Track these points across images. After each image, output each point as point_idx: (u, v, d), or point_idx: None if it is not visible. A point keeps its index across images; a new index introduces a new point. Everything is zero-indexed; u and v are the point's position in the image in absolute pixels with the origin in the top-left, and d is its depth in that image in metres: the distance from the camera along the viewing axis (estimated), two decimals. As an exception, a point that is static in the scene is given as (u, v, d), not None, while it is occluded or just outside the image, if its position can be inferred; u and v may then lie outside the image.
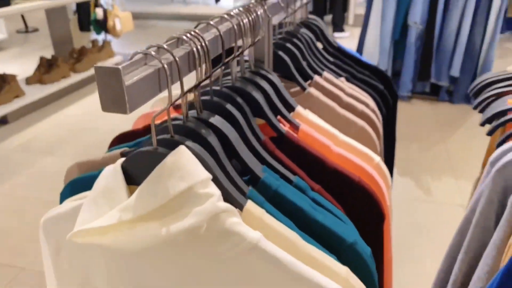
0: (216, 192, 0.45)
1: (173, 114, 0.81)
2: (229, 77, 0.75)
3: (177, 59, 0.44)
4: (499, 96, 0.98)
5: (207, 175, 0.46)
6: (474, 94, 1.06)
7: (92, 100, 3.48)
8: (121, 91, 0.37)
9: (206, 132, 0.52)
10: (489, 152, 1.18)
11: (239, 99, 0.63)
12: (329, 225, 0.52)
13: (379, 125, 0.89)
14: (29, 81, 3.23)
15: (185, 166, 0.45)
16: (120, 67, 0.37)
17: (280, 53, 0.84)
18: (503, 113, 0.91)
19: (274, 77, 0.72)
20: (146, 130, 0.75)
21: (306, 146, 0.64)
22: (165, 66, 0.42)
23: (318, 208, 0.55)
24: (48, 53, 3.54)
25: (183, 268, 0.47)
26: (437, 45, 3.29)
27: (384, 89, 1.02)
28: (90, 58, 3.61)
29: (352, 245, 0.51)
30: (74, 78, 3.43)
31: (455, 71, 3.29)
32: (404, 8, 3.27)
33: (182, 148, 0.46)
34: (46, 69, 3.28)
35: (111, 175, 0.48)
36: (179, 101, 0.85)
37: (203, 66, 0.50)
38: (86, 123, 3.06)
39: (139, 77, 0.39)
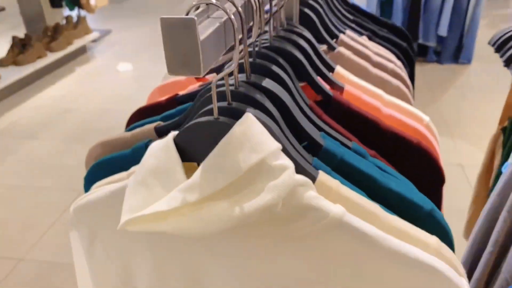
0: (290, 164, 0.39)
1: (196, 84, 0.74)
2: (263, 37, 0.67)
3: (239, 9, 0.37)
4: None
5: (278, 145, 0.39)
6: (498, 47, 1.02)
7: (71, 80, 3.32)
8: (194, 47, 0.30)
9: (261, 97, 0.46)
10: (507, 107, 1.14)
11: (281, 60, 0.56)
12: (403, 193, 0.47)
13: (410, 84, 0.84)
14: (2, 63, 3.04)
15: (255, 136, 0.38)
16: (193, 17, 0.30)
17: (306, 10, 0.77)
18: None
19: (309, 35, 0.66)
20: (170, 102, 0.68)
21: (357, 109, 0.58)
22: (232, 17, 0.35)
23: (386, 175, 0.49)
24: (20, 32, 3.34)
25: (254, 252, 0.42)
26: (424, 5, 3.23)
27: (407, 46, 0.96)
28: (66, 36, 3.43)
29: (430, 212, 0.46)
30: (51, 57, 3.26)
31: (443, 31, 3.25)
32: (390, -33, 3.18)
33: (249, 117, 0.39)
34: (20, 49, 3.09)
35: (163, 152, 0.41)
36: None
37: (258, 18, 0.43)
38: (67, 104, 2.92)
39: (211, 31, 0.32)
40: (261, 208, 0.37)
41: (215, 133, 0.40)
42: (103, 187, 0.49)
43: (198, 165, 0.45)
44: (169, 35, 0.31)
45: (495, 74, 3.12)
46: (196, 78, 0.76)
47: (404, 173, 0.57)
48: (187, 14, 0.35)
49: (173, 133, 0.43)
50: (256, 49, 0.57)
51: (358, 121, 0.58)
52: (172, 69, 0.32)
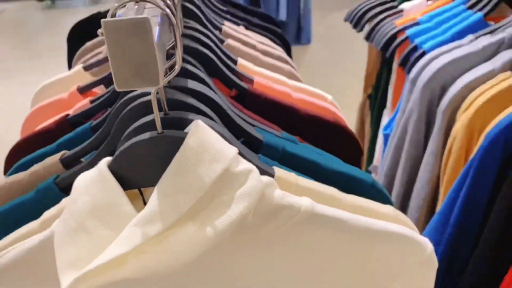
0: (253, 167, 0.37)
1: (84, 100, 0.65)
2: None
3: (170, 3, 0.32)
4: (381, 21, 1.04)
5: (235, 149, 0.36)
6: (355, 24, 1.12)
7: None
8: (150, 53, 0.25)
9: (194, 101, 0.41)
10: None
11: (191, 59, 0.52)
12: (344, 171, 0.48)
13: (295, 67, 0.87)
14: None
15: (212, 144, 0.35)
16: (146, 16, 0.24)
17: (187, 4, 0.73)
18: (394, 36, 0.97)
19: (204, 29, 0.62)
20: (61, 126, 0.58)
21: (273, 98, 0.57)
22: (169, 13, 0.30)
23: (322, 157, 0.50)
24: None
25: (232, 269, 0.38)
26: (263, -7, 3.42)
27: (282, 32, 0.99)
28: None
29: (373, 184, 0.48)
30: None
31: (283, 16, 3.48)
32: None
33: (200, 124, 0.35)
34: None
35: (98, 185, 0.35)
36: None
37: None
38: None
39: (158, 31, 0.27)
40: (235, 221, 0.34)
41: (161, 151, 0.35)
42: (12, 248, 0.39)
43: (140, 191, 0.39)
44: (117, 42, 0.25)
45: (334, 51, 3.47)
46: (81, 93, 0.67)
47: (328, 152, 0.58)
48: (112, 16, 0.29)
49: (105, 160, 0.36)
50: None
51: (276, 110, 0.57)
52: (122, 83, 0.27)
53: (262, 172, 0.41)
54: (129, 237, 0.32)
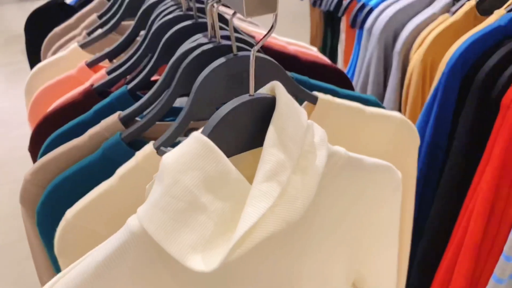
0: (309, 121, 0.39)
1: (99, 72, 0.69)
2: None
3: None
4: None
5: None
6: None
7: None
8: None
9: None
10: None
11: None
12: (355, 94, 0.59)
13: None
14: None
15: (293, 100, 0.37)
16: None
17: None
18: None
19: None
20: (88, 95, 0.62)
21: (278, 49, 0.67)
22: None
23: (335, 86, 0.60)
24: None
25: (318, 209, 0.40)
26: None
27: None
28: None
29: (376, 101, 0.60)
30: None
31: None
32: None
33: (280, 84, 0.37)
34: None
35: (204, 158, 0.32)
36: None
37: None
38: None
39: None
40: (324, 166, 0.36)
41: (254, 113, 0.37)
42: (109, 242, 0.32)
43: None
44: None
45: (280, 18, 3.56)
46: (90, 68, 0.70)
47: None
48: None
49: (199, 132, 0.35)
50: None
51: (281, 59, 0.66)
52: (251, 11, 0.34)
53: (310, 97, 0.50)
54: (262, 194, 0.32)
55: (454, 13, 0.86)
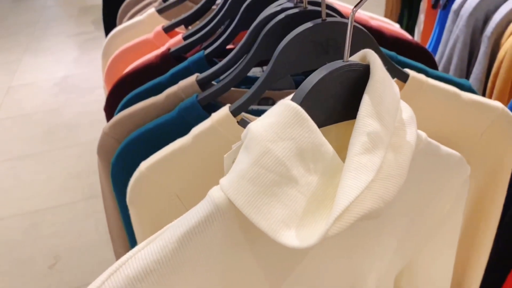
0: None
1: (176, 37, 0.68)
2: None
3: None
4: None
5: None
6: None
7: None
8: None
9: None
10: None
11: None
12: (447, 76, 0.54)
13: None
14: None
15: (386, 70, 0.34)
16: None
17: None
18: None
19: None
20: (164, 59, 0.62)
21: (361, 22, 0.63)
22: None
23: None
24: None
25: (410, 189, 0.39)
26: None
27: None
28: None
29: (470, 86, 0.55)
30: None
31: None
32: None
33: (370, 51, 0.35)
34: None
35: (296, 128, 0.30)
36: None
37: None
38: None
39: None
40: (414, 143, 0.33)
41: (348, 81, 0.34)
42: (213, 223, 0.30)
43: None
44: None
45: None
46: (166, 33, 0.70)
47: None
48: None
49: (290, 98, 0.33)
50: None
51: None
52: None
53: (400, 73, 0.47)
54: (362, 166, 0.29)
55: (558, -4, 0.77)
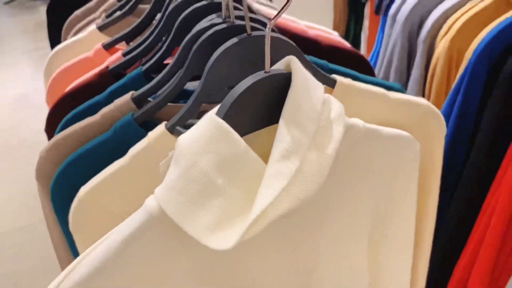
0: (327, 94, 0.39)
1: (114, 55, 0.68)
2: None
3: None
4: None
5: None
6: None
7: None
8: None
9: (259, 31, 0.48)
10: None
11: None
12: (378, 81, 0.57)
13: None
14: None
15: (309, 75, 0.36)
16: None
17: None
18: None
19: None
20: (103, 77, 0.62)
21: (298, 33, 0.65)
22: None
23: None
24: None
25: (335, 183, 0.40)
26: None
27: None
28: None
29: (400, 88, 0.57)
30: None
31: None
32: None
33: (296, 59, 0.36)
34: None
35: (218, 141, 0.32)
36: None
37: None
38: None
39: None
40: (339, 141, 0.36)
41: (269, 90, 0.36)
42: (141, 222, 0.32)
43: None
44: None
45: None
46: (107, 50, 0.70)
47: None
48: None
49: (214, 112, 0.35)
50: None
51: (302, 43, 0.64)
52: None
53: (327, 80, 0.48)
54: (277, 174, 0.32)
55: (484, -1, 0.82)
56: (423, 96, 0.90)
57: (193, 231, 0.30)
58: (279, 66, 0.38)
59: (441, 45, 0.82)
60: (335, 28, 1.35)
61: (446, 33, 0.83)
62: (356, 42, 1.26)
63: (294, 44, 0.45)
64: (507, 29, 0.70)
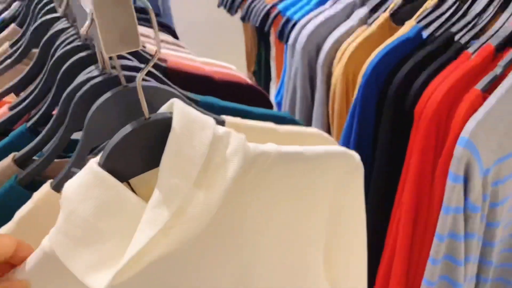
0: (229, 129, 0.39)
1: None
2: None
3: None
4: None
5: (212, 115, 0.42)
6: (229, 8, 1.22)
7: None
8: (131, 21, 0.32)
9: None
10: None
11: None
12: (269, 113, 0.59)
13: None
14: None
15: (195, 116, 0.37)
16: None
17: None
18: (268, 13, 1.10)
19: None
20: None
21: (191, 71, 0.65)
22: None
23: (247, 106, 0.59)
24: None
25: (238, 218, 0.41)
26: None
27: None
28: None
29: (292, 118, 0.59)
30: None
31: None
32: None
33: (178, 102, 0.37)
34: None
35: (97, 188, 0.34)
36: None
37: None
38: None
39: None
40: (232, 178, 0.36)
41: (151, 135, 0.36)
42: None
43: (128, 182, 0.39)
44: (104, 13, 0.31)
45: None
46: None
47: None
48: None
49: (94, 161, 0.36)
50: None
51: (194, 81, 0.65)
52: (110, 50, 0.33)
53: (216, 120, 0.49)
54: (154, 218, 0.33)
55: (370, 24, 0.88)
56: (328, 118, 0.95)
57: (76, 270, 0.33)
58: (164, 109, 0.39)
59: (337, 71, 0.87)
60: (248, 56, 1.38)
61: (340, 59, 0.88)
62: (268, 71, 1.30)
63: (171, 90, 0.46)
64: (390, 53, 0.75)
